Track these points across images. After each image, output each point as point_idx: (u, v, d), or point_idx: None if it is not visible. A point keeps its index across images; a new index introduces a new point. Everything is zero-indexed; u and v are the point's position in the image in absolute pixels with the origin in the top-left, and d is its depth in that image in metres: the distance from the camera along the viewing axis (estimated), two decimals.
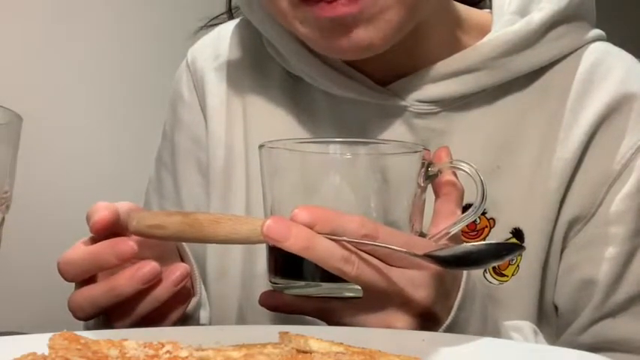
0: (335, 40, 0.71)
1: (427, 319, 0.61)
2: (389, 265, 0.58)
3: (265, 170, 0.64)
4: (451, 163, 0.64)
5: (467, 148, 0.75)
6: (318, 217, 0.56)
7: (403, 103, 0.79)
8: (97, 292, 0.63)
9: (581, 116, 0.78)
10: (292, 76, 0.84)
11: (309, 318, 0.63)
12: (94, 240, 0.64)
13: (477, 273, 0.77)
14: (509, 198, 0.78)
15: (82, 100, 1.84)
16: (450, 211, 0.64)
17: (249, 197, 0.84)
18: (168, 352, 0.45)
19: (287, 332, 0.50)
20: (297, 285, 0.62)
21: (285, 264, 0.62)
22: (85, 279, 0.64)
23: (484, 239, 0.78)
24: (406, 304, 0.59)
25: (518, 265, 0.78)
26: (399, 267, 0.59)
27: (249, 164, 0.84)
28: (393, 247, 0.57)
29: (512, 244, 0.75)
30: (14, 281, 1.67)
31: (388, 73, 0.79)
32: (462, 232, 0.74)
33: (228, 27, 0.90)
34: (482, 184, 0.62)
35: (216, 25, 0.92)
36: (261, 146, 0.64)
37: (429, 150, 0.64)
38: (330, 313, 0.61)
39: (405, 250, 0.57)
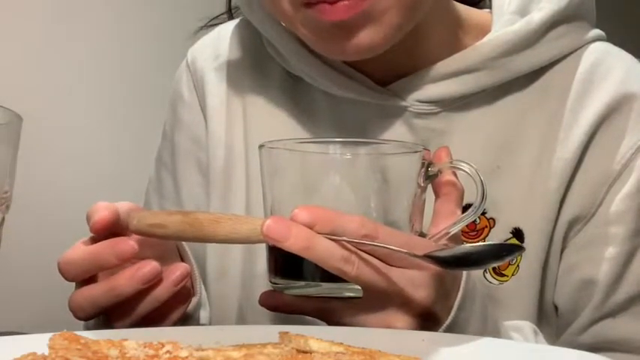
0: (336, 43, 0.71)
1: (427, 319, 0.61)
2: (389, 265, 0.59)
3: (265, 170, 0.64)
4: (451, 163, 0.64)
5: (467, 148, 0.75)
6: (318, 217, 0.56)
7: (403, 103, 0.79)
8: (97, 292, 0.63)
9: (581, 116, 0.78)
10: (292, 76, 0.84)
11: (309, 318, 0.63)
12: (94, 240, 0.64)
13: (476, 273, 0.77)
14: (509, 198, 0.78)
15: (82, 100, 1.84)
16: (450, 211, 0.64)
17: (249, 197, 0.84)
18: (168, 352, 0.45)
19: (287, 332, 0.50)
20: (297, 285, 0.62)
21: (285, 264, 0.62)
22: (86, 279, 0.64)
23: (484, 239, 0.78)
24: (406, 304, 0.59)
25: (518, 265, 0.78)
26: (399, 267, 0.59)
27: (249, 164, 0.84)
28: (393, 247, 0.57)
29: (513, 244, 0.75)
30: (14, 281, 1.67)
31: (388, 73, 0.79)
32: (462, 232, 0.74)
33: (228, 27, 0.90)
34: (482, 184, 0.62)
35: (216, 25, 0.92)
36: (261, 146, 0.64)
37: (429, 150, 0.64)
38: (330, 313, 0.61)
39: (405, 250, 0.57)
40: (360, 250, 0.57)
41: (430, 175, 0.64)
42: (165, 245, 0.68)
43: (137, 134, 1.81)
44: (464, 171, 0.63)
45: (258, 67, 0.87)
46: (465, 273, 0.63)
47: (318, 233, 0.56)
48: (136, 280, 0.61)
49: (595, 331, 0.77)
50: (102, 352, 0.45)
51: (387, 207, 0.62)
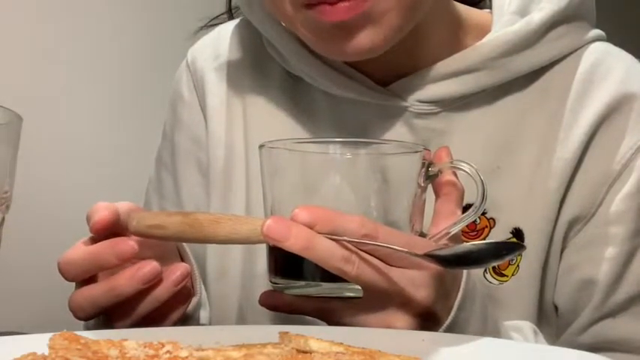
0: (336, 44, 0.71)
1: (427, 319, 0.61)
2: (389, 265, 0.58)
3: (265, 170, 0.64)
4: (451, 163, 0.64)
5: (467, 148, 0.75)
6: (318, 217, 0.56)
7: (403, 103, 0.79)
8: (97, 292, 0.63)
9: (581, 116, 0.78)
10: (292, 76, 0.84)
11: (309, 318, 0.63)
12: (95, 240, 0.64)
13: (476, 273, 0.77)
14: (510, 198, 0.78)
15: (82, 100, 1.84)
16: (450, 211, 0.64)
17: (249, 197, 0.84)
18: (168, 352, 0.45)
19: (287, 332, 0.50)
20: (297, 285, 0.62)
21: (285, 264, 0.62)
22: (86, 279, 0.64)
23: (484, 239, 0.78)
24: (406, 304, 0.59)
25: (518, 265, 0.78)
26: (399, 267, 0.59)
27: (249, 164, 0.84)
28: (393, 247, 0.57)
29: (513, 243, 0.75)
30: (14, 281, 1.67)
31: (388, 73, 0.79)
32: (462, 232, 0.74)
33: (228, 27, 0.90)
34: (483, 184, 0.62)
35: (216, 25, 0.92)
36: (261, 146, 0.64)
37: (429, 150, 0.64)
38: (330, 313, 0.61)
39: (405, 249, 0.57)
40: (361, 250, 0.57)
41: (430, 175, 0.64)
42: (166, 245, 0.68)
43: (137, 134, 1.81)
44: (464, 171, 0.63)
45: (258, 67, 0.87)
46: (465, 273, 0.63)
47: (319, 233, 0.56)
48: (136, 280, 0.61)
49: (595, 331, 0.77)
50: (102, 352, 0.45)
51: (387, 207, 0.62)
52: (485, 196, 0.62)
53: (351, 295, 0.60)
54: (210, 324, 0.81)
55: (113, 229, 0.63)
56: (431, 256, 0.56)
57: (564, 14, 0.78)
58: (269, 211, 0.64)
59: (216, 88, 0.87)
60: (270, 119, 0.84)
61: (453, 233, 0.63)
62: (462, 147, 0.73)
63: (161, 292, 0.63)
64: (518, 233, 0.78)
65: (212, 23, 0.93)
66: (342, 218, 0.57)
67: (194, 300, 0.71)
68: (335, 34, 0.70)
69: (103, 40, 1.86)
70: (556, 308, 0.80)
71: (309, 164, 0.63)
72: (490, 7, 0.83)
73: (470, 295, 0.63)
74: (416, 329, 0.60)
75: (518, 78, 0.79)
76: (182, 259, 0.71)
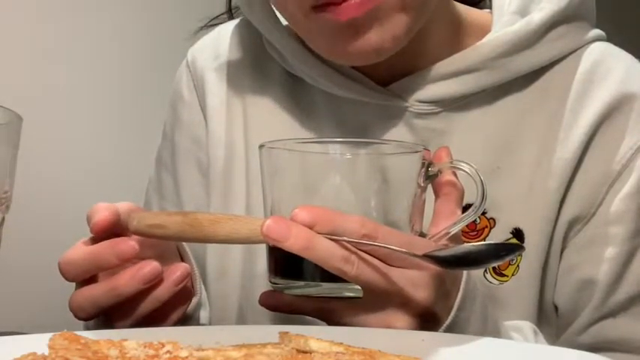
0: (345, 45, 0.70)
1: (427, 319, 0.61)
2: (389, 265, 0.58)
3: (265, 170, 0.64)
4: (451, 163, 0.64)
5: (467, 148, 0.75)
6: (318, 217, 0.56)
7: (403, 103, 0.79)
8: (97, 292, 0.63)
9: (581, 116, 0.78)
10: (292, 76, 0.84)
11: (309, 318, 0.63)
12: (95, 240, 0.64)
13: (477, 273, 0.77)
14: (510, 198, 0.78)
15: (82, 100, 1.84)
16: (450, 211, 0.64)
17: (249, 197, 0.84)
18: (168, 352, 0.45)
19: (287, 332, 0.50)
20: (297, 285, 0.62)
21: (285, 264, 0.62)
22: (86, 279, 0.64)
23: (484, 239, 0.78)
24: (406, 304, 0.59)
25: (518, 265, 0.78)
26: (399, 267, 0.59)
27: (249, 164, 0.84)
28: (392, 247, 0.57)
29: (512, 244, 0.75)
30: (14, 281, 1.67)
31: (388, 73, 0.79)
32: (462, 232, 0.74)
33: (228, 27, 0.90)
34: (483, 184, 0.62)
35: (216, 25, 0.92)
36: (261, 146, 0.64)
37: (429, 150, 0.64)
38: (330, 313, 0.61)
39: (404, 250, 0.57)
40: (360, 250, 0.57)
41: (430, 175, 0.64)
42: (166, 245, 0.68)
43: (137, 134, 1.81)
44: (464, 171, 0.63)
45: (258, 67, 0.87)
46: (465, 273, 0.63)
47: (318, 233, 0.56)
48: (136, 280, 0.61)
49: (595, 331, 0.77)
50: (102, 352, 0.45)
51: (387, 207, 0.62)
52: (485, 196, 0.62)
53: (351, 295, 0.60)
54: (210, 324, 0.81)
55: (113, 229, 0.63)
56: (430, 257, 0.56)
57: (564, 14, 0.78)
58: (269, 211, 0.64)
59: (217, 88, 0.87)
60: (270, 119, 0.84)
61: (452, 233, 0.63)
62: (462, 147, 0.73)
63: (162, 292, 0.63)
64: (518, 233, 0.78)
65: (212, 23, 0.93)
66: (342, 218, 0.57)
67: (194, 300, 0.71)
68: (344, 34, 0.70)
69: (103, 40, 1.86)
70: (556, 308, 0.80)
71: (309, 164, 0.63)
72: (490, 7, 0.83)
73: (470, 295, 0.63)
74: (416, 329, 0.60)
75: (518, 78, 0.79)
76: (182, 259, 0.71)
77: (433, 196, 0.66)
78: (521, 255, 0.78)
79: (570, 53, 0.80)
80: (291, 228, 0.56)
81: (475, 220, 0.77)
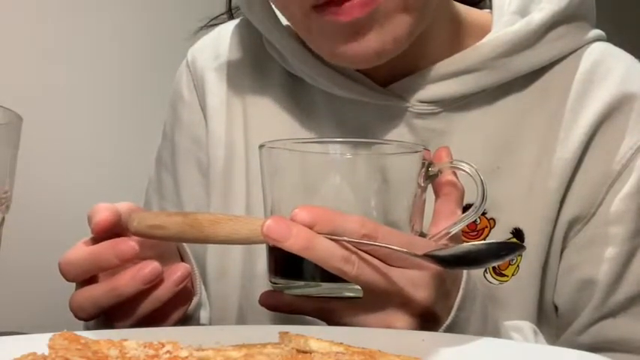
0: (345, 47, 0.70)
1: (427, 319, 0.61)
2: (389, 265, 0.58)
3: (265, 170, 0.64)
4: (451, 163, 0.64)
5: (467, 148, 0.75)
6: (318, 217, 0.56)
7: (404, 103, 0.79)
8: (98, 293, 0.63)
9: (581, 116, 0.78)
10: (292, 76, 0.84)
11: (309, 318, 0.63)
12: (95, 240, 0.64)
13: (477, 273, 0.77)
14: (510, 198, 0.78)
15: (82, 100, 1.84)
16: (450, 211, 0.64)
17: (249, 197, 0.84)
18: (168, 352, 0.45)
19: (287, 332, 0.50)
20: (297, 285, 0.62)
21: (285, 264, 0.62)
22: (86, 279, 0.64)
23: (484, 239, 0.78)
24: (406, 304, 0.59)
25: (518, 265, 0.78)
26: (399, 267, 0.59)
27: (249, 164, 0.84)
28: (392, 247, 0.57)
29: (512, 243, 0.75)
30: (14, 281, 1.67)
31: (388, 73, 0.79)
32: (462, 232, 0.74)
33: (228, 27, 0.90)
34: (483, 184, 0.62)
35: (216, 25, 0.92)
36: (261, 146, 0.64)
37: (429, 150, 0.64)
38: (330, 313, 0.61)
39: (405, 250, 0.57)
40: (360, 250, 0.57)
41: (430, 175, 0.64)
42: (166, 245, 0.68)
43: (137, 134, 1.81)
44: (464, 171, 0.63)
45: (258, 67, 0.87)
46: (465, 273, 0.63)
47: (318, 233, 0.56)
48: (137, 281, 0.61)
49: (595, 331, 0.77)
50: (102, 352, 0.45)
51: (387, 207, 0.62)
52: (485, 196, 0.62)
53: (351, 295, 0.60)
54: (210, 324, 0.81)
55: (114, 229, 0.63)
56: (430, 257, 0.56)
57: (564, 14, 0.78)
58: (269, 211, 0.64)
59: (217, 87, 0.87)
60: (270, 119, 0.84)
61: (453, 233, 0.63)
62: (462, 147, 0.73)
63: (162, 293, 0.63)
64: (518, 233, 0.78)
65: (212, 23, 0.93)
66: (342, 218, 0.57)
67: (194, 300, 0.71)
68: (345, 35, 0.70)
69: (103, 40, 1.86)
70: (556, 308, 0.80)
71: (309, 164, 0.63)
72: (490, 7, 0.83)
73: (470, 295, 0.63)
74: (416, 329, 0.60)
75: (518, 78, 0.79)
76: (182, 260, 0.71)
77: (433, 196, 0.66)
78: (521, 255, 0.78)
79: (570, 53, 0.80)
80: (291, 228, 0.56)
81: (475, 220, 0.77)
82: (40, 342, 0.46)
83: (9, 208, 0.57)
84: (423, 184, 0.63)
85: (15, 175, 0.57)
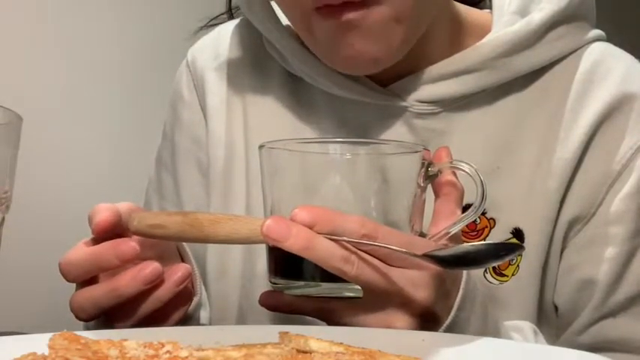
0: (343, 52, 0.71)
1: (427, 319, 0.61)
2: (389, 265, 0.58)
3: (265, 170, 0.64)
4: (451, 163, 0.64)
5: (467, 148, 0.75)
6: (318, 217, 0.56)
7: (404, 103, 0.79)
8: (98, 293, 0.63)
9: (581, 116, 0.78)
10: (292, 76, 0.84)
11: (309, 318, 0.63)
12: (96, 241, 0.64)
13: (477, 273, 0.77)
14: (510, 198, 0.78)
15: (82, 100, 1.84)
16: (450, 211, 0.64)
17: (249, 197, 0.84)
18: (168, 352, 0.45)
19: (287, 332, 0.50)
20: (297, 285, 0.62)
21: (285, 264, 0.62)
22: (87, 279, 0.64)
23: (484, 239, 0.78)
24: (406, 304, 0.59)
25: (518, 265, 0.78)
26: (398, 267, 0.59)
27: (249, 164, 0.84)
28: (392, 247, 0.57)
29: (512, 244, 0.75)
30: (14, 281, 1.67)
31: (389, 73, 0.79)
32: (462, 232, 0.74)
33: (228, 27, 0.90)
34: (482, 184, 0.62)
35: (216, 25, 0.92)
36: (261, 146, 0.64)
37: (429, 150, 0.64)
38: (330, 313, 0.61)
39: (404, 250, 0.57)
40: (360, 250, 0.57)
41: (430, 175, 0.64)
42: (166, 245, 0.68)
43: (137, 134, 1.81)
44: (464, 171, 0.63)
45: (258, 66, 0.87)
46: (465, 273, 0.63)
47: (318, 233, 0.56)
48: (138, 281, 0.61)
49: (595, 331, 0.77)
50: (102, 352, 0.45)
51: (387, 207, 0.62)
52: (485, 196, 0.62)
53: (351, 295, 0.60)
54: (210, 324, 0.81)
55: (115, 229, 0.63)
56: (430, 257, 0.56)
57: (564, 14, 0.78)
58: (269, 211, 0.64)
59: (217, 87, 0.87)
60: (270, 119, 0.84)
61: (452, 233, 0.63)
62: (462, 147, 0.73)
63: (163, 293, 0.63)
64: (518, 233, 0.78)
65: (212, 23, 0.93)
66: (342, 218, 0.57)
67: (195, 300, 0.71)
68: (341, 35, 0.70)
69: (103, 40, 1.86)
70: (556, 308, 0.80)
71: (308, 164, 0.63)
72: (490, 7, 0.83)
73: (470, 295, 0.63)
74: (416, 329, 0.60)
75: (518, 78, 0.79)
76: (182, 260, 0.71)
77: (433, 196, 0.66)
78: (521, 255, 0.78)
79: (570, 53, 0.80)
80: (291, 228, 0.56)
81: (475, 220, 0.77)
82: (40, 342, 0.46)
83: (9, 208, 0.57)
84: (422, 184, 0.63)
85: (15, 175, 0.57)
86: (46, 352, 0.44)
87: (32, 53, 1.76)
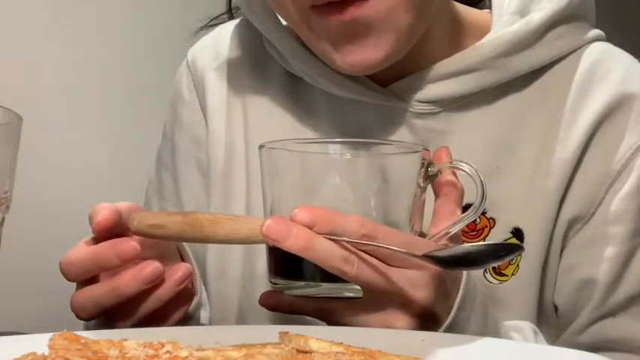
0: (343, 53, 0.71)
1: (427, 319, 0.61)
2: (389, 265, 0.59)
3: (265, 170, 0.64)
4: (451, 163, 0.64)
5: (467, 148, 0.75)
6: (318, 217, 0.56)
7: (403, 103, 0.79)
8: (99, 292, 0.63)
9: (580, 116, 0.78)
10: (292, 76, 0.84)
11: (309, 318, 0.63)
12: (96, 240, 0.64)
13: (476, 273, 0.77)
14: (509, 198, 0.78)
15: (82, 100, 1.84)
16: (450, 211, 0.64)
17: (249, 197, 0.84)
18: (168, 352, 0.45)
19: (287, 332, 0.50)
20: (297, 285, 0.62)
21: (285, 264, 0.62)
22: (87, 279, 0.64)
23: (484, 239, 0.78)
24: (406, 304, 0.59)
25: (518, 265, 0.78)
26: (398, 267, 0.59)
27: (249, 164, 0.84)
28: (392, 247, 0.57)
29: (512, 244, 0.75)
30: (14, 281, 1.67)
31: (388, 73, 0.78)
32: (462, 232, 0.74)
33: (228, 27, 0.90)
34: (482, 184, 0.62)
35: (216, 25, 0.92)
36: (261, 146, 0.64)
37: (428, 150, 0.64)
38: (330, 313, 0.61)
39: (404, 250, 0.57)
40: (360, 250, 0.57)
41: (430, 175, 0.64)
42: (166, 245, 0.68)
43: (137, 134, 1.81)
44: (464, 171, 0.63)
45: (258, 66, 0.87)
46: (465, 273, 0.63)
47: (318, 233, 0.56)
48: (138, 281, 0.62)
49: (595, 331, 0.77)
50: (102, 352, 0.45)
51: (387, 207, 0.62)
52: (485, 196, 0.62)
53: (351, 295, 0.60)
54: (210, 324, 0.81)
55: (115, 229, 0.63)
56: (430, 257, 0.56)
57: (564, 14, 0.78)
58: (269, 211, 0.64)
59: (217, 87, 0.87)
60: (270, 119, 0.84)
61: (452, 233, 0.64)
62: (462, 147, 0.73)
63: (163, 292, 0.63)
64: (518, 233, 0.78)
65: (212, 23, 0.93)
66: (342, 218, 0.57)
67: (195, 300, 0.71)
68: (344, 37, 0.70)
69: (103, 40, 1.86)
70: (556, 308, 0.80)
71: (308, 164, 0.63)
72: (490, 7, 0.83)
73: (470, 295, 0.63)
74: (416, 329, 0.60)
75: (518, 78, 0.79)
76: (182, 259, 0.71)
77: (433, 196, 0.66)
78: (521, 255, 0.78)
79: (570, 53, 0.80)
80: (291, 228, 0.56)
81: (475, 220, 0.77)
82: (40, 342, 0.46)
83: (9, 208, 0.57)
84: (422, 184, 0.63)
85: (15, 175, 0.57)
86: (46, 352, 0.45)
87: (32, 53, 1.76)
